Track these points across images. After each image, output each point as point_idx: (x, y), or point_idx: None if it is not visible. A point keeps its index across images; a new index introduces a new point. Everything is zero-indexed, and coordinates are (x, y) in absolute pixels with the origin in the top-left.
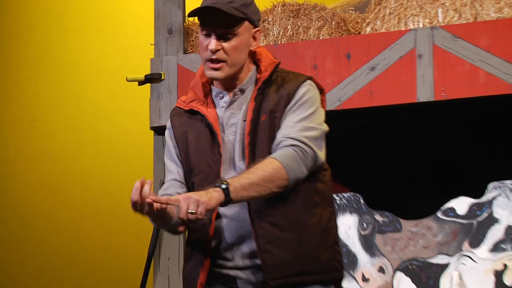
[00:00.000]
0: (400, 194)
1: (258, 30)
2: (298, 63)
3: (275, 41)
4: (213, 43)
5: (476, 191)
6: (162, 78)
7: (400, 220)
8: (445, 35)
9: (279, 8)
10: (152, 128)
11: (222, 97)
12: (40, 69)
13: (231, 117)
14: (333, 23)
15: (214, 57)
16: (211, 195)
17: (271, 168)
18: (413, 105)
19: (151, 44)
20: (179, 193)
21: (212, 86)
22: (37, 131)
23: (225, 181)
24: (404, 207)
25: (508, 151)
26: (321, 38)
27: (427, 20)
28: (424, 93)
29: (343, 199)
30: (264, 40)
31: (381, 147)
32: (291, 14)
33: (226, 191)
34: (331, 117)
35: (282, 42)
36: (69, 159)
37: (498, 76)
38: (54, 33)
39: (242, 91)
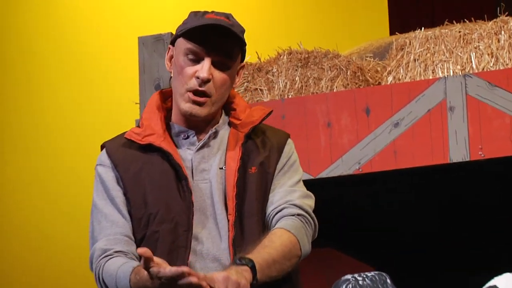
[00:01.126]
0: (433, 269)
1: (243, 66)
2: (308, 121)
3: (281, 95)
4: (205, 70)
5: None
6: None
7: None
8: (480, 83)
9: (285, 57)
10: None
11: (187, 137)
12: (18, 140)
13: (202, 162)
14: (348, 73)
15: (201, 88)
16: (245, 276)
17: (289, 242)
18: (446, 167)
19: (136, 103)
20: (132, 253)
21: (171, 122)
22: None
23: (247, 257)
24: (438, 284)
25: None
26: (335, 90)
27: (459, 67)
28: (458, 152)
29: (366, 279)
30: (269, 95)
31: (408, 215)
32: (299, 64)
33: (253, 270)
34: (350, 182)
35: (290, 96)
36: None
37: None
38: (28, 98)
39: (216, 134)
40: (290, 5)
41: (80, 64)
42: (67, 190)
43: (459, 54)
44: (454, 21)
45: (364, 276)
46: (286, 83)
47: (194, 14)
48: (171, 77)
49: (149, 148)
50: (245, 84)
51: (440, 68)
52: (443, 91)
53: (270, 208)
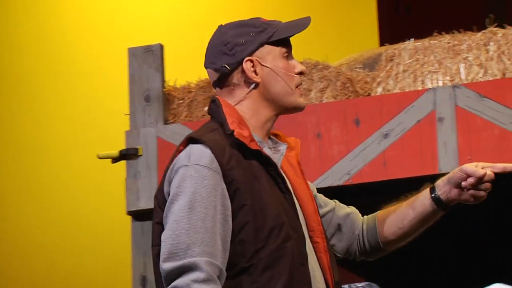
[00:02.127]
0: (423, 281)
1: None
2: (298, 131)
3: None
4: (300, 63)
5: None
6: (139, 153)
7: None
8: (469, 94)
9: None
10: (129, 212)
11: (262, 147)
12: (4, 150)
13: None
14: (338, 84)
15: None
16: None
17: None
18: (435, 177)
19: (126, 114)
20: None
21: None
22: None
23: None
24: None
25: None
26: (324, 101)
27: (448, 78)
28: (447, 163)
29: None
30: None
31: None
32: None
33: None
34: (340, 193)
35: None
36: (34, 243)
37: None
38: (17, 108)
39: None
40: (281, 15)
41: (70, 75)
42: (58, 199)
43: (448, 65)
44: (443, 32)
45: (354, 286)
46: None
47: (260, 21)
48: (163, 88)
49: (254, 155)
50: None
51: (430, 79)
52: (433, 102)
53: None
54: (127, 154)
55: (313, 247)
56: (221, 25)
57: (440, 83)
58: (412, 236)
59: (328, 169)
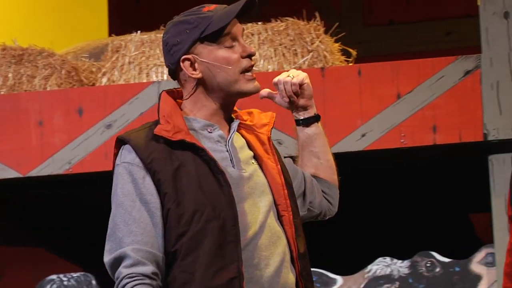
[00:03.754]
0: None
1: None
2: (21, 118)
3: None
4: (247, 45)
5: None
6: None
7: None
8: None
9: None
10: None
11: (212, 130)
12: None
13: (236, 153)
14: (63, 72)
15: (253, 63)
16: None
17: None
18: None
19: None
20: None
21: (190, 117)
22: None
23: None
24: None
25: None
26: (48, 89)
27: None
28: None
29: (71, 280)
30: None
31: None
32: (13, 60)
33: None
34: (58, 182)
35: (2, 92)
36: None
37: None
38: None
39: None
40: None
41: None
42: None
43: None
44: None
45: (70, 276)
46: None
47: (195, 16)
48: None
49: (180, 145)
50: None
51: (155, 72)
52: (157, 95)
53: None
54: None
55: (280, 220)
56: (170, 21)
57: (165, 77)
58: (326, 159)
59: (49, 157)
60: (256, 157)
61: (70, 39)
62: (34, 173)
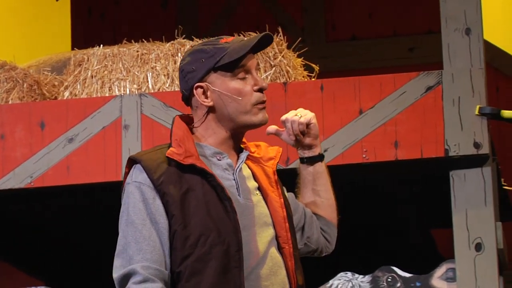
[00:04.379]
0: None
1: None
2: None
3: None
4: (261, 80)
5: None
6: None
7: None
8: (155, 103)
9: None
10: None
11: (221, 158)
12: None
13: (243, 183)
14: (24, 86)
15: (264, 98)
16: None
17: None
18: (118, 184)
19: None
20: None
21: (200, 143)
22: None
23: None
24: None
25: None
26: (10, 102)
27: (135, 86)
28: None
29: None
30: None
31: (84, 231)
32: None
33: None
34: (20, 196)
35: None
36: None
37: None
38: None
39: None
40: None
41: None
42: None
43: (136, 73)
44: (132, 40)
45: None
46: None
47: (212, 46)
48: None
49: (190, 169)
50: None
51: (117, 86)
52: (119, 109)
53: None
54: None
55: (281, 252)
56: (188, 49)
57: (128, 91)
58: (327, 198)
59: (10, 171)
60: (260, 188)
61: (32, 52)
62: None
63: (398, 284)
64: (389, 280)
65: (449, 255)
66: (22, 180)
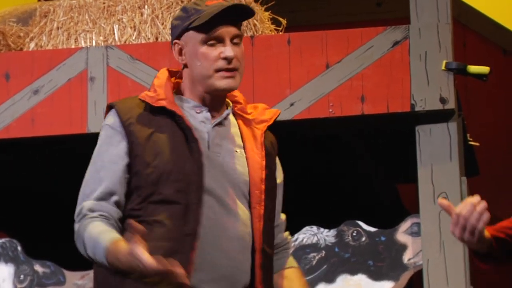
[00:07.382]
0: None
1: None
2: None
3: None
4: (229, 49)
5: None
6: None
7: (64, 271)
8: (121, 55)
9: None
10: None
11: (200, 111)
12: None
13: (217, 137)
14: None
15: (230, 66)
16: None
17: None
18: (84, 136)
19: None
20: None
21: (183, 97)
22: None
23: None
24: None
25: None
26: None
27: (102, 38)
28: (96, 123)
29: None
30: None
31: (45, 183)
32: None
33: None
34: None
35: None
36: None
37: None
38: None
39: (227, 116)
40: None
41: None
42: None
43: (103, 25)
44: None
45: None
46: None
47: (193, 7)
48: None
49: (161, 112)
50: None
51: (83, 38)
52: (85, 61)
53: (280, 225)
54: None
55: (251, 212)
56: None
57: (94, 43)
58: None
59: None
60: (245, 148)
61: None
62: None
63: (363, 239)
64: (354, 234)
65: (414, 210)
66: None
